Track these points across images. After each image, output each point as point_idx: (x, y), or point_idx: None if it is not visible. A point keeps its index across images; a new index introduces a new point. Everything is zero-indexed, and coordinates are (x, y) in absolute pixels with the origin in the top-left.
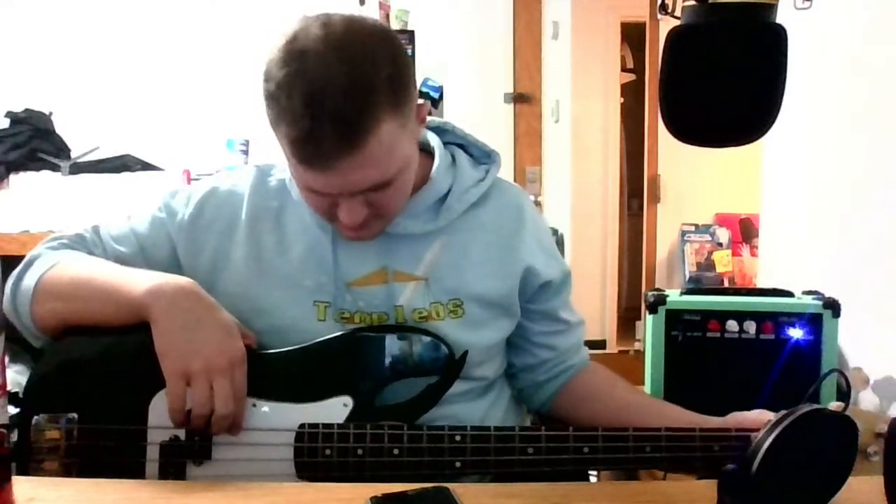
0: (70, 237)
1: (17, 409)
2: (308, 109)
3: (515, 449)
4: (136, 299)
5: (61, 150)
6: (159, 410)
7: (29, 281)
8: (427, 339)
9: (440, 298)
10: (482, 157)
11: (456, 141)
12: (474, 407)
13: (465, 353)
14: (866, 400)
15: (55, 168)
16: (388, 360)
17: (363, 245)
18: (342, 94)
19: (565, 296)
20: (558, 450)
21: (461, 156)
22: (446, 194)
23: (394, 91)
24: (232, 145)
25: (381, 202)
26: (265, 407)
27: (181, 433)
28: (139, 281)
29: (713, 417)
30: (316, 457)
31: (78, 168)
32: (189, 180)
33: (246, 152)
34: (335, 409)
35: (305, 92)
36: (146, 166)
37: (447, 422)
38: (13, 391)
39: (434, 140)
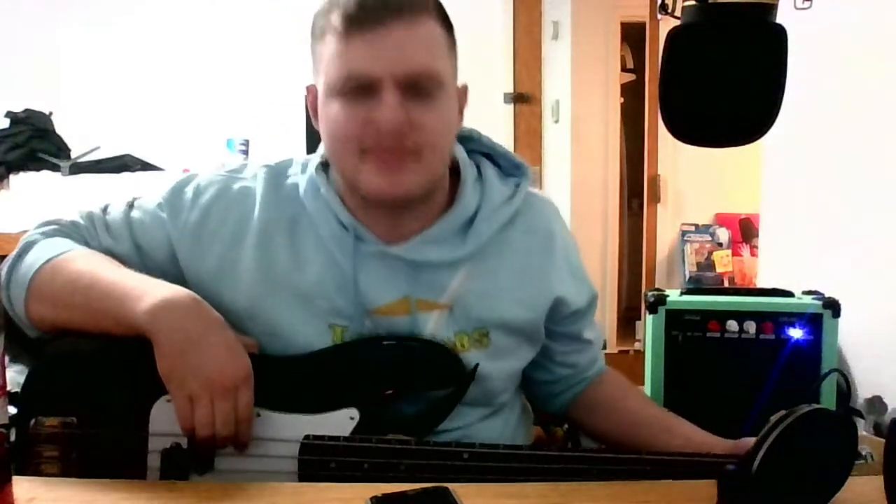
0: (64, 224)
1: (16, 410)
2: None
3: (523, 469)
4: (135, 319)
5: (61, 150)
6: (161, 417)
7: (24, 274)
8: (438, 352)
9: (465, 328)
10: (510, 168)
11: (482, 150)
12: (486, 427)
13: (476, 366)
14: (884, 427)
15: (55, 168)
16: (396, 373)
17: (386, 273)
18: None
19: (590, 317)
20: (567, 472)
21: (488, 168)
22: (474, 215)
23: (441, 15)
24: (232, 145)
25: (419, 117)
26: (269, 417)
27: (183, 441)
28: (139, 297)
29: (723, 441)
30: (320, 470)
31: (78, 168)
32: None
33: (246, 152)
34: (341, 422)
35: None
36: (146, 166)
37: (455, 437)
38: (13, 391)
39: (459, 152)
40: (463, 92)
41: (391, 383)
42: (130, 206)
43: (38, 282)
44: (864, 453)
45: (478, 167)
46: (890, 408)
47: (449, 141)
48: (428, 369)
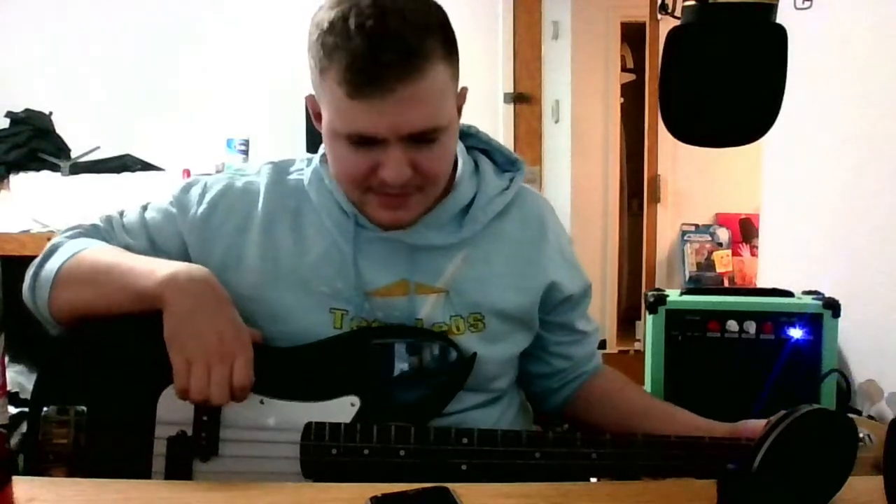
0: (85, 227)
1: (24, 407)
2: (368, 33)
3: (523, 453)
4: (149, 288)
5: (61, 150)
6: (167, 406)
7: (50, 269)
8: (437, 340)
9: (461, 312)
10: (506, 164)
11: (480, 146)
12: (486, 414)
13: (474, 354)
14: (880, 412)
15: (55, 168)
16: (397, 361)
17: (385, 256)
18: (403, 20)
19: (584, 307)
20: (565, 454)
21: (485, 163)
22: (469, 204)
23: (447, 39)
24: (232, 145)
25: (424, 163)
26: (272, 404)
27: (188, 429)
28: (154, 270)
29: (722, 424)
30: (322, 456)
31: (78, 168)
32: None
33: (246, 152)
34: (343, 409)
35: (364, 20)
36: (146, 166)
37: (451, 422)
38: (13, 391)
39: (457, 146)
40: (462, 94)
41: (392, 372)
42: (144, 208)
43: (64, 272)
44: (861, 435)
45: (475, 161)
46: (886, 392)
47: (450, 165)
48: (427, 358)
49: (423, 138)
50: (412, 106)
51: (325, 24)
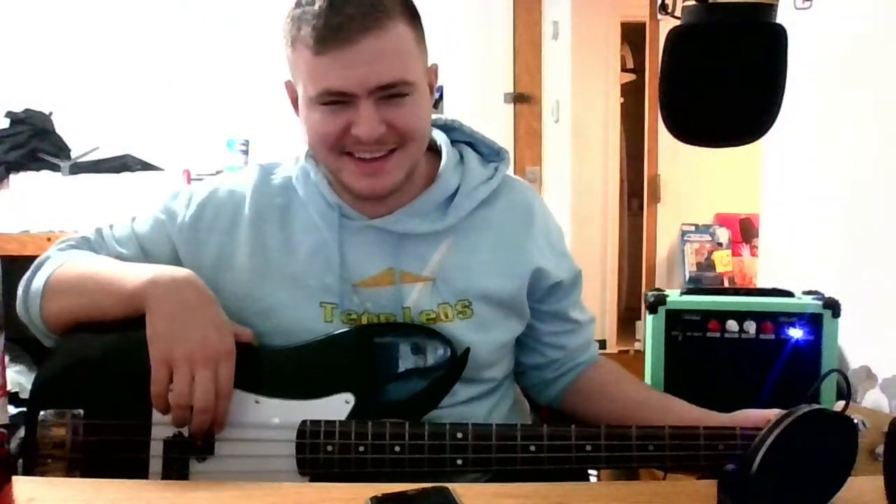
0: (76, 240)
1: (24, 407)
2: None
3: (517, 447)
4: (133, 290)
5: (61, 150)
6: None
7: (39, 281)
8: (430, 336)
9: (448, 299)
10: (491, 154)
11: (464, 139)
12: (478, 407)
13: (468, 350)
14: (872, 399)
15: (55, 168)
16: (390, 358)
17: (371, 245)
18: None
19: (576, 295)
20: (560, 448)
21: (469, 154)
22: (454, 193)
23: (408, 9)
24: (232, 145)
25: (396, 119)
26: (267, 403)
27: (185, 430)
28: (138, 273)
29: (719, 414)
30: (317, 453)
31: (78, 168)
32: (189, 180)
33: (246, 152)
34: (337, 406)
35: None
36: (146, 166)
37: (443, 414)
38: (13, 391)
39: (441, 138)
40: (433, 71)
41: (385, 368)
42: (133, 219)
43: (51, 283)
44: (856, 421)
45: (460, 153)
46: (880, 378)
47: (426, 127)
48: (421, 354)
49: (393, 94)
50: (377, 57)
51: (293, 3)
